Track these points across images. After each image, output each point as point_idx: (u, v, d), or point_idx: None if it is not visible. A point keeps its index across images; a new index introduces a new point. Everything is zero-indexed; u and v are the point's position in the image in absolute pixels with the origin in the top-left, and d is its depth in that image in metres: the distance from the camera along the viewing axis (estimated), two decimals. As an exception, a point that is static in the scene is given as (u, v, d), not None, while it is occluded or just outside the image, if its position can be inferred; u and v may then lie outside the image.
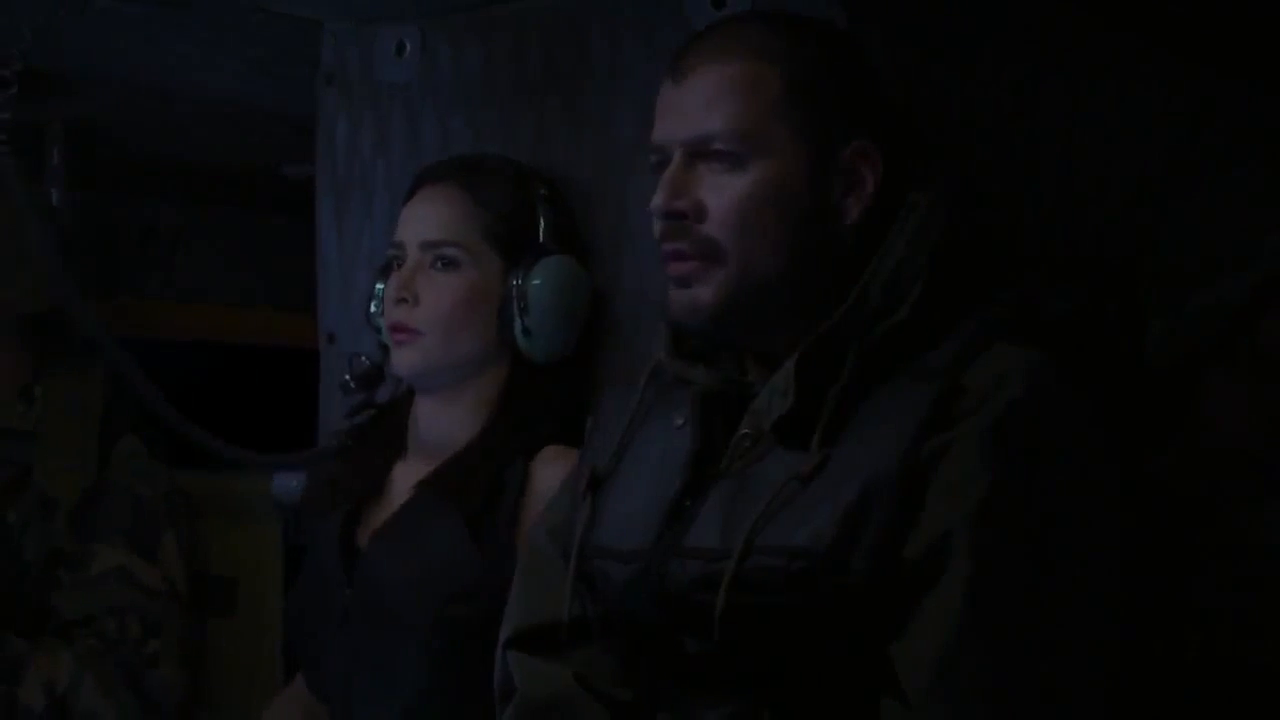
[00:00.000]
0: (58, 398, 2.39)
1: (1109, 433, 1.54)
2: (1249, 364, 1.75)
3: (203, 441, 2.02)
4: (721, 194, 1.58)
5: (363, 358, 2.14)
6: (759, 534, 1.49)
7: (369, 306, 2.10)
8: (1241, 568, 1.72)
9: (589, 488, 1.68)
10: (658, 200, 1.60)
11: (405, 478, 2.05)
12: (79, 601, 2.30)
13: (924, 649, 1.44)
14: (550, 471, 1.93)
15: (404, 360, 2.01)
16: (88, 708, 2.25)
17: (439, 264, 2.00)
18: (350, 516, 2.05)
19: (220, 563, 2.52)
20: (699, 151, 1.59)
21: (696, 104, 1.60)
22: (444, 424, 2.04)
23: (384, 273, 2.07)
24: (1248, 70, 2.22)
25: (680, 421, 1.63)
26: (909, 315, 1.54)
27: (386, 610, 1.95)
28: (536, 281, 1.99)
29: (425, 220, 2.02)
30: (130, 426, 2.40)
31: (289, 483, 2.32)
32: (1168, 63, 2.23)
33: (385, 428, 2.11)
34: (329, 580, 2.02)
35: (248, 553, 2.53)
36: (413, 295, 1.99)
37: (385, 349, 2.07)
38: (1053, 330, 1.57)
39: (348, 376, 2.14)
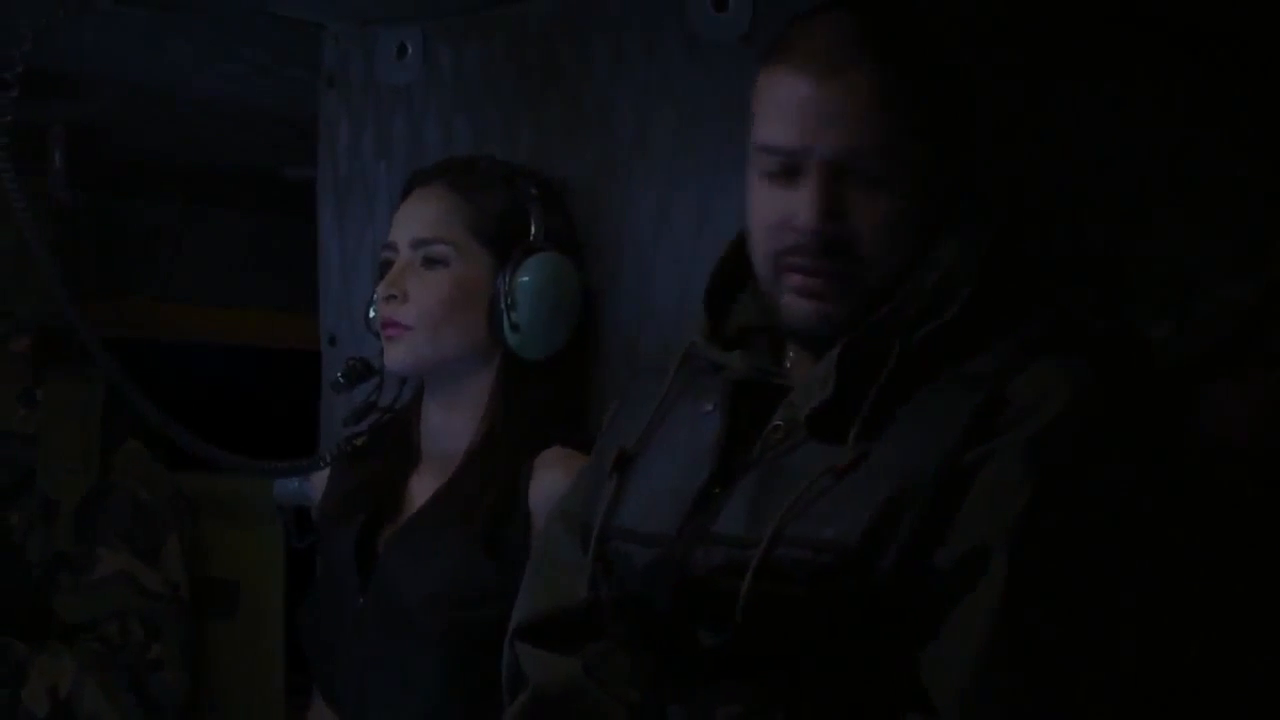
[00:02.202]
0: (59, 401, 2.39)
1: (1152, 450, 1.53)
2: (1257, 367, 1.75)
3: (198, 449, 2.02)
4: (873, 218, 1.52)
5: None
6: (789, 525, 1.47)
7: (369, 311, 2.10)
8: (1244, 569, 1.72)
9: (616, 467, 1.65)
10: (809, 220, 1.51)
11: (419, 487, 2.06)
12: (81, 605, 2.30)
13: (955, 659, 1.42)
14: (549, 476, 1.93)
15: (395, 356, 2.02)
16: (90, 711, 2.25)
17: (428, 261, 2.01)
18: (366, 526, 2.05)
19: (221, 565, 2.53)
20: (845, 166, 1.51)
21: (846, 112, 1.50)
22: (450, 430, 2.05)
23: (381, 275, 2.07)
24: (1248, 70, 2.22)
25: (709, 407, 1.61)
26: (956, 318, 1.52)
27: (402, 617, 1.95)
28: (524, 279, 1.99)
29: (415, 219, 2.03)
30: (132, 430, 2.40)
31: (290, 486, 2.32)
32: (1168, 63, 2.23)
33: (395, 437, 2.11)
34: (344, 588, 2.03)
35: (249, 555, 2.53)
36: (401, 292, 2.00)
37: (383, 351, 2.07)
38: (1097, 345, 1.55)
39: (338, 374, 2.14)
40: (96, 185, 2.95)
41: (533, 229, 2.03)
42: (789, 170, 1.53)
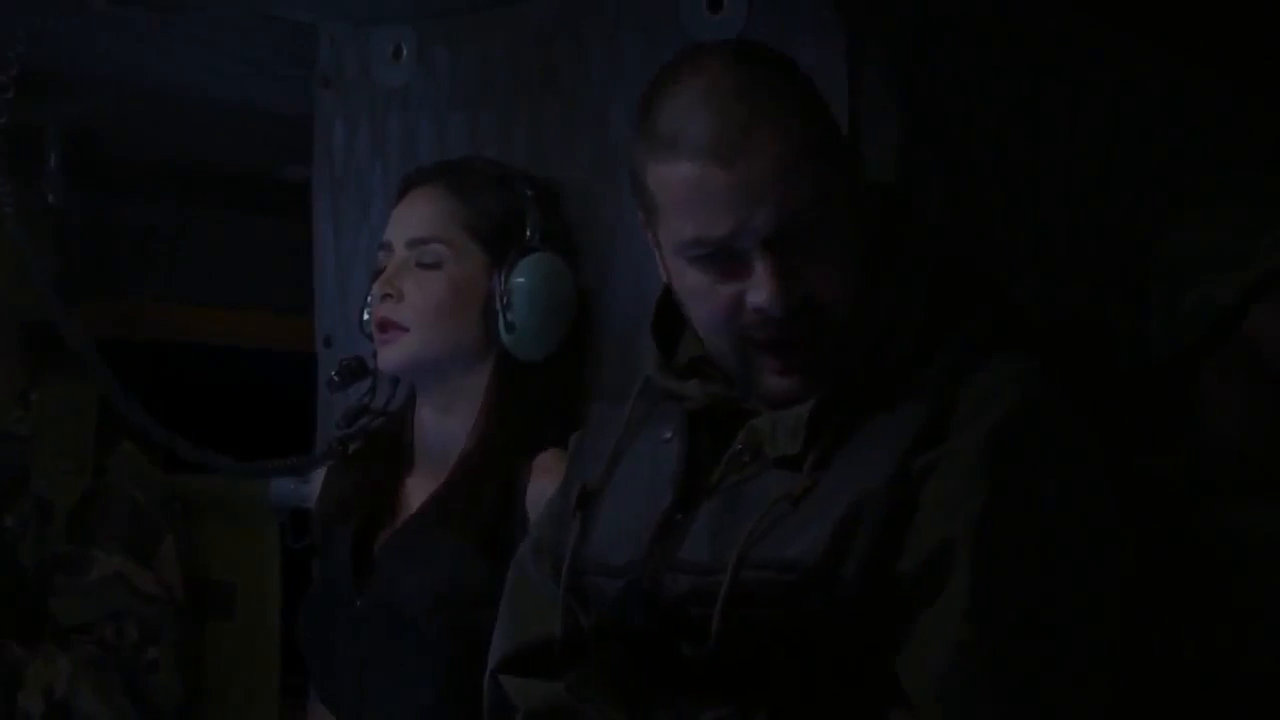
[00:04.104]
0: (54, 402, 2.39)
1: (1100, 437, 1.54)
2: (1240, 362, 1.75)
3: (185, 451, 2.02)
4: (821, 263, 1.49)
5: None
6: (751, 550, 1.48)
7: (364, 313, 2.10)
8: (1239, 567, 1.72)
9: (579, 504, 1.66)
10: (771, 302, 1.47)
11: (415, 489, 2.06)
12: (76, 608, 2.30)
13: (929, 660, 1.43)
14: (547, 479, 1.93)
15: (390, 356, 2.02)
16: (86, 713, 2.25)
17: (424, 261, 2.00)
18: (362, 528, 2.05)
19: (218, 567, 2.52)
20: (783, 231, 1.47)
21: (770, 183, 1.46)
22: (445, 432, 2.04)
23: (376, 275, 2.07)
24: (1247, 71, 2.23)
25: (668, 435, 1.62)
26: (913, 349, 1.53)
27: (398, 620, 1.95)
28: (520, 279, 1.99)
29: (411, 219, 2.03)
30: (127, 431, 2.39)
31: (286, 487, 2.32)
32: (1168, 63, 2.23)
33: (389, 439, 2.11)
34: (340, 592, 2.03)
35: (246, 557, 2.52)
36: (397, 291, 2.00)
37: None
38: (1041, 337, 1.56)
39: (333, 373, 2.14)
40: (92, 186, 2.95)
41: (528, 230, 2.03)
42: (726, 254, 1.50)
